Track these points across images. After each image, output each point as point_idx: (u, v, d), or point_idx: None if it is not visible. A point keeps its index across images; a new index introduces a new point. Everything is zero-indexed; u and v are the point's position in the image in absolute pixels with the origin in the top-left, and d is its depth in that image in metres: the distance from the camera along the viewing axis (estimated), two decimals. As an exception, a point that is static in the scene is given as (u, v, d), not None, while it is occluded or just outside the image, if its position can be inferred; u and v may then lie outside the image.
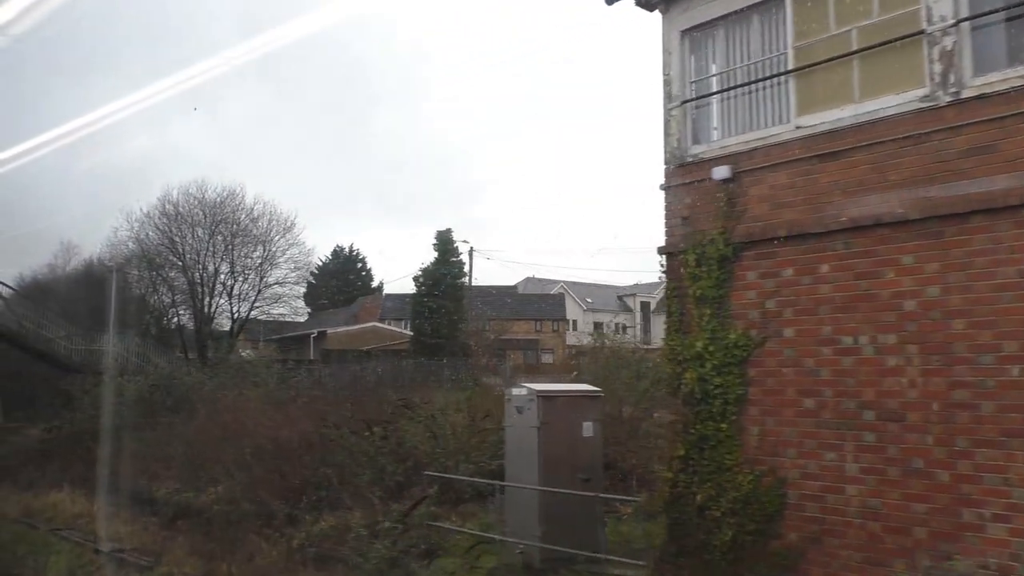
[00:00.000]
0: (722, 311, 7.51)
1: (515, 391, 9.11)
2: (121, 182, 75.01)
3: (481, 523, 9.83)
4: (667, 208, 8.04)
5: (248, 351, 46.87)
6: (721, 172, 7.52)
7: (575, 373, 53.60)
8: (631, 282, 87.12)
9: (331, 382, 24.04)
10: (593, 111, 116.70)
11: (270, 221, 41.65)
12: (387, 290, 67.50)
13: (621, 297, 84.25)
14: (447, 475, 9.41)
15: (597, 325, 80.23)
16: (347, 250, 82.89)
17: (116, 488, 15.93)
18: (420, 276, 42.62)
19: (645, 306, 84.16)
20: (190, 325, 42.80)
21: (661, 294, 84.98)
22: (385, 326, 48.07)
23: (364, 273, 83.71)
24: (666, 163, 8.08)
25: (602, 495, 8.14)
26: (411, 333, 45.88)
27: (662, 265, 8.12)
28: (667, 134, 8.09)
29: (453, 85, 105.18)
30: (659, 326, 79.14)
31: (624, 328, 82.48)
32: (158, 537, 12.71)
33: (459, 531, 9.15)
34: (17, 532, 13.88)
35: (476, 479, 9.59)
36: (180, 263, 41.05)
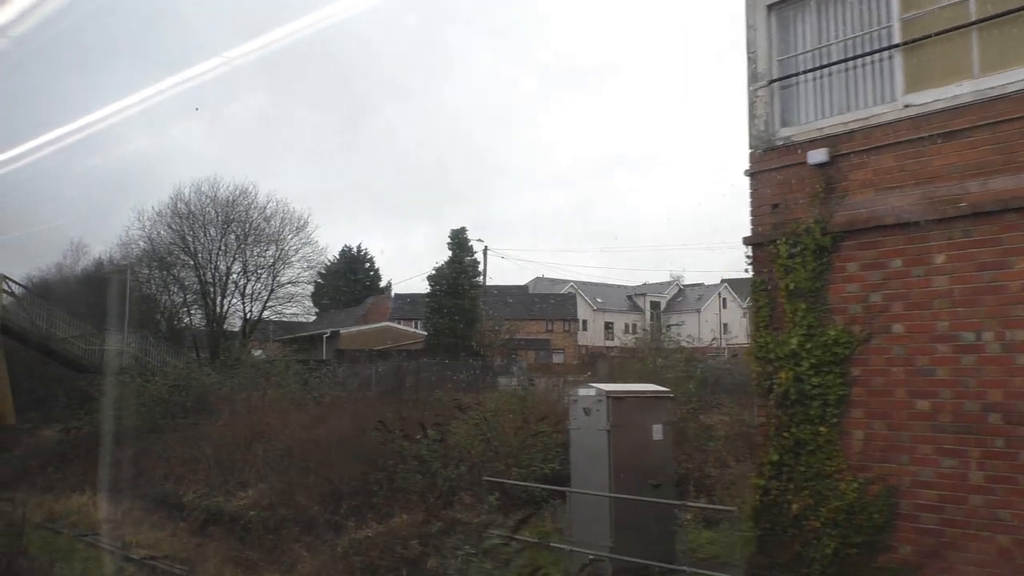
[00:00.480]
0: (819, 305, 6.96)
1: (582, 392, 8.57)
2: (124, 182, 74.80)
3: (538, 531, 9.30)
4: (753, 195, 7.50)
5: (259, 351, 46.42)
6: (817, 156, 6.97)
7: (588, 373, 53.02)
8: (639, 282, 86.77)
9: (354, 382, 23.48)
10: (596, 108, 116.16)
11: (282, 220, 41.17)
12: (396, 290, 67.15)
13: (631, 297, 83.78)
14: (510, 481, 8.87)
15: (608, 325, 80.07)
16: (354, 250, 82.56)
17: (141, 492, 15.44)
18: (435, 275, 42.11)
19: (655, 306, 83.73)
20: (201, 325, 42.40)
21: (672, 293, 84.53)
22: (398, 326, 47.56)
23: (372, 273, 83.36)
24: (752, 147, 7.53)
25: (689, 504, 7.56)
26: (424, 333, 45.39)
27: (748, 256, 7.56)
28: (752, 116, 7.54)
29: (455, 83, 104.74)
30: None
31: (635, 328, 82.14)
32: (189, 544, 12.18)
33: (519, 540, 8.61)
34: (41, 538, 13.36)
35: (545, 486, 9.04)
36: (192, 262, 40.59)
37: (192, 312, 42.22)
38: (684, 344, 15.94)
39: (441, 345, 40.17)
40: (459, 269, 41.85)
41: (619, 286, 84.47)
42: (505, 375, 43.88)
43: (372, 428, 11.91)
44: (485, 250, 44.25)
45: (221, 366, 25.11)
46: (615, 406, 8.25)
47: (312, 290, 55.29)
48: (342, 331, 44.49)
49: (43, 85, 71.52)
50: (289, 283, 41.84)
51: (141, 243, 40.26)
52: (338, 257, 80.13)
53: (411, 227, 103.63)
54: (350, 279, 79.77)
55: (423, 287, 67.49)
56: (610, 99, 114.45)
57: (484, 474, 9.56)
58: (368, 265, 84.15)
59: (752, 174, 7.51)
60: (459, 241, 42.48)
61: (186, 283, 41.92)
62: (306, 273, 42.27)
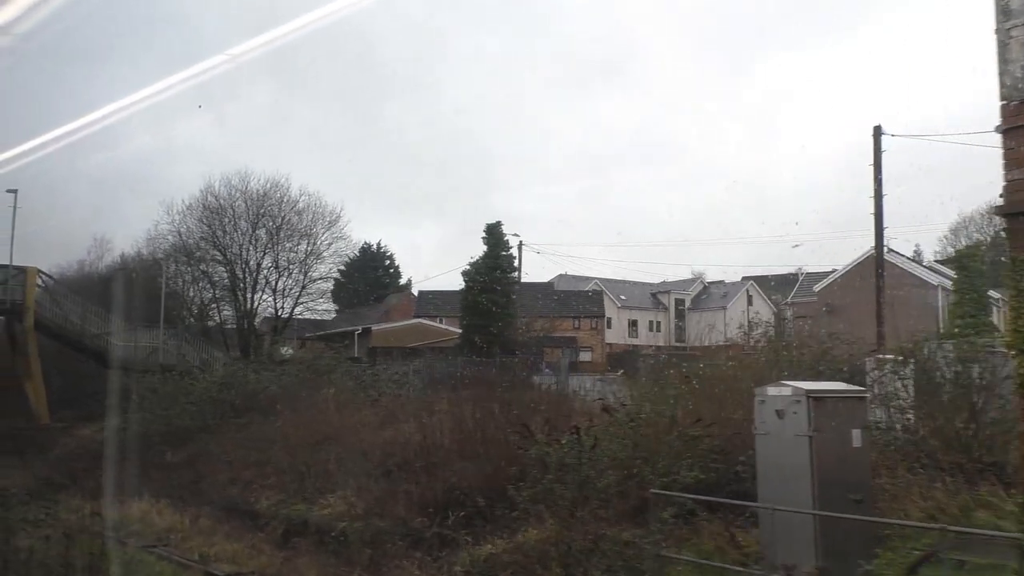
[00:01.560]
0: (1106, 286, 5.75)
1: (771, 390, 7.37)
2: (132, 178, 73.94)
3: (701, 551, 8.08)
4: (1008, 156, 6.26)
5: (286, 348, 45.36)
6: (1102, 105, 5.75)
7: (620, 371, 51.71)
8: (657, 279, 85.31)
9: (416, 380, 22.30)
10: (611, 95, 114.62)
11: (314, 214, 40.12)
12: (420, 287, 66.08)
13: (655, 294, 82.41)
14: (687, 495, 7.65)
15: (632, 323, 78.78)
16: (374, 247, 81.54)
17: (205, 498, 14.33)
18: (469, 270, 40.88)
19: (680, 303, 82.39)
20: (229, 322, 41.38)
21: (696, 290, 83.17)
22: (430, 323, 46.36)
23: (392, 270, 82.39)
24: (1004, 98, 6.29)
25: (952, 528, 6.29)
26: (457, 330, 44.22)
27: (1001, 230, 6.32)
28: (1004, 61, 6.30)
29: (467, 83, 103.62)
30: (694, 324, 77.03)
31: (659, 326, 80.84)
32: (275, 558, 11.05)
33: (694, 561, 7.41)
34: (107, 551, 12.25)
35: (729, 500, 7.82)
36: (222, 256, 39.55)
37: (221, 308, 41.21)
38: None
39: (476, 342, 38.98)
40: (494, 264, 40.59)
41: (642, 283, 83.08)
42: (540, 373, 42.74)
43: (503, 430, 10.72)
44: (520, 245, 43.02)
45: (260, 364, 23.96)
46: (816, 408, 7.04)
47: (331, 287, 54.31)
48: (373, 328, 43.35)
49: (47, 82, 70.67)
50: (320, 279, 40.82)
51: (170, 237, 39.21)
52: (357, 254, 79.19)
53: (416, 223, 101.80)
54: (369, 277, 78.83)
55: (444, 284, 66.67)
56: (620, 95, 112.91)
57: (633, 481, 8.35)
58: (388, 262, 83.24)
59: (1007, 131, 6.27)
60: (494, 235, 41.20)
61: (214, 278, 40.94)
62: (339, 269, 41.24)
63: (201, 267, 40.32)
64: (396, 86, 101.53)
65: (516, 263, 42.52)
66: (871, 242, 26.16)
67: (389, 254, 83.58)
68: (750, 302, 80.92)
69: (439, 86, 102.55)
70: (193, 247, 38.96)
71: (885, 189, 24.70)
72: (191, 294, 41.91)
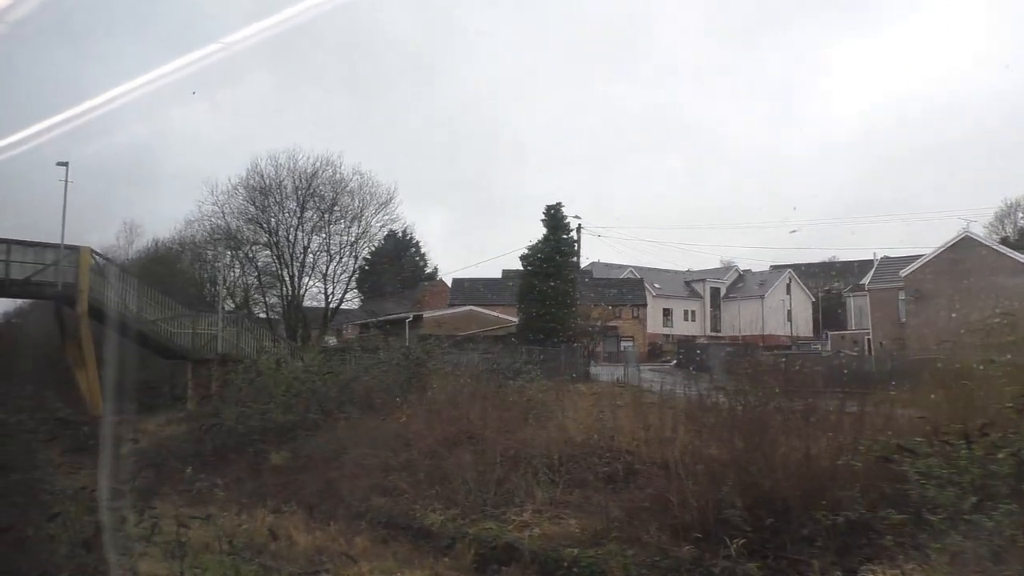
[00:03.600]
0: None
1: None
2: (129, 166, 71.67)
3: None
4: None
5: (331, 337, 43.29)
6: None
7: (672, 362, 49.55)
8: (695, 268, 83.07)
9: (535, 369, 20.03)
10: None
11: (369, 195, 37.99)
12: (454, 275, 64.10)
13: (689, 283, 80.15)
14: None
15: (667, 312, 76.61)
16: (400, 234, 79.34)
17: (349, 509, 12.10)
18: (528, 255, 38.66)
19: (715, 292, 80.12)
20: (275, 307, 39.29)
21: (731, 279, 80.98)
22: (481, 310, 44.16)
23: (418, 259, 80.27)
24: None
25: None
26: (510, 318, 42.12)
27: None
28: None
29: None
30: (729, 313, 74.94)
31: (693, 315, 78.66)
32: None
33: None
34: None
35: None
36: (269, 239, 37.40)
37: (267, 294, 39.11)
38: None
39: (534, 330, 36.81)
40: (555, 248, 38.36)
41: (674, 271, 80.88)
42: (597, 363, 40.64)
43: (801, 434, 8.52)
44: (579, 228, 40.67)
45: (364, 351, 21.76)
46: None
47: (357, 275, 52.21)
48: (426, 315, 41.19)
49: (42, 70, 68.45)
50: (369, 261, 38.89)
51: (215, 219, 37.02)
52: (383, 242, 77.06)
53: (424, 209, 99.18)
54: (397, 264, 76.78)
55: (473, 273, 64.47)
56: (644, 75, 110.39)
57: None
58: (414, 250, 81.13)
59: None
60: (554, 217, 38.95)
61: (259, 263, 38.83)
62: (364, 257, 39.32)
63: (244, 250, 38.20)
64: (401, 70, 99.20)
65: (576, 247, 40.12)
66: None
67: (415, 242, 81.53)
68: (788, 290, 78.76)
69: (446, 70, 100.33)
70: (237, 230, 36.83)
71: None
72: (233, 278, 39.81)
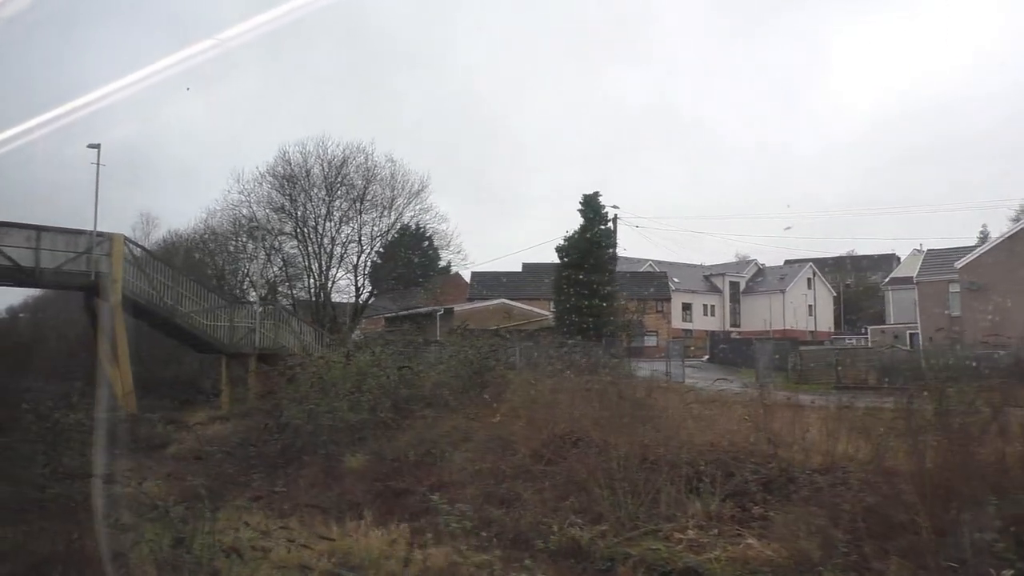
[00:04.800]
0: None
1: None
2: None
3: None
4: None
5: (357, 331, 41.95)
6: None
7: (706, 357, 48.15)
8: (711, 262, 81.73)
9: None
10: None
11: (401, 184, 36.67)
12: (472, 268, 62.70)
13: (708, 277, 78.77)
14: None
15: (686, 306, 75.27)
16: (413, 227, 77.90)
17: (478, 523, 10.66)
18: (564, 246, 37.29)
19: (734, 286, 78.79)
20: (301, 299, 37.94)
21: (750, 273, 79.68)
22: (512, 303, 42.81)
23: (431, 252, 78.79)
24: None
25: None
26: (542, 312, 40.83)
27: None
28: None
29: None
30: (749, 308, 73.59)
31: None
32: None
33: None
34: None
35: None
36: (296, 230, 36.03)
37: (294, 285, 37.76)
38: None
39: (572, 323, 35.46)
40: (593, 239, 36.99)
41: (693, 265, 79.47)
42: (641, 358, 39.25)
43: None
44: (615, 219, 39.31)
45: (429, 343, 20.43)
46: None
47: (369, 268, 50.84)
48: (456, 308, 39.84)
49: (34, 65, 67.02)
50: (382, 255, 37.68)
51: (241, 208, 35.62)
52: (396, 235, 75.71)
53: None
54: (410, 257, 75.40)
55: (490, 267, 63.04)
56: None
57: None
58: (427, 244, 79.65)
59: None
60: (591, 207, 37.58)
61: (285, 253, 37.48)
62: (376, 250, 38.15)
63: (269, 240, 36.84)
64: (397, 64, 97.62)
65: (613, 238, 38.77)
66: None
67: (429, 235, 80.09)
68: (809, 285, 77.51)
69: (443, 64, 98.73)
70: (265, 219, 35.46)
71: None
72: (258, 269, 38.47)
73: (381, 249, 61.21)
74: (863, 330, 53.88)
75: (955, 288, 35.92)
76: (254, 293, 37.47)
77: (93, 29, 79.97)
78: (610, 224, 38.67)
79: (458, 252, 42.69)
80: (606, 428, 12.11)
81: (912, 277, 44.18)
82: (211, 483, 14.53)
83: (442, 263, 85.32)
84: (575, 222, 37.44)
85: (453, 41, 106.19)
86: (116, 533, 10.53)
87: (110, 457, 15.25)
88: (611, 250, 38.04)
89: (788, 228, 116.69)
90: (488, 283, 59.48)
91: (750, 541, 8.22)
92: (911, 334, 41.53)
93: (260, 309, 25.83)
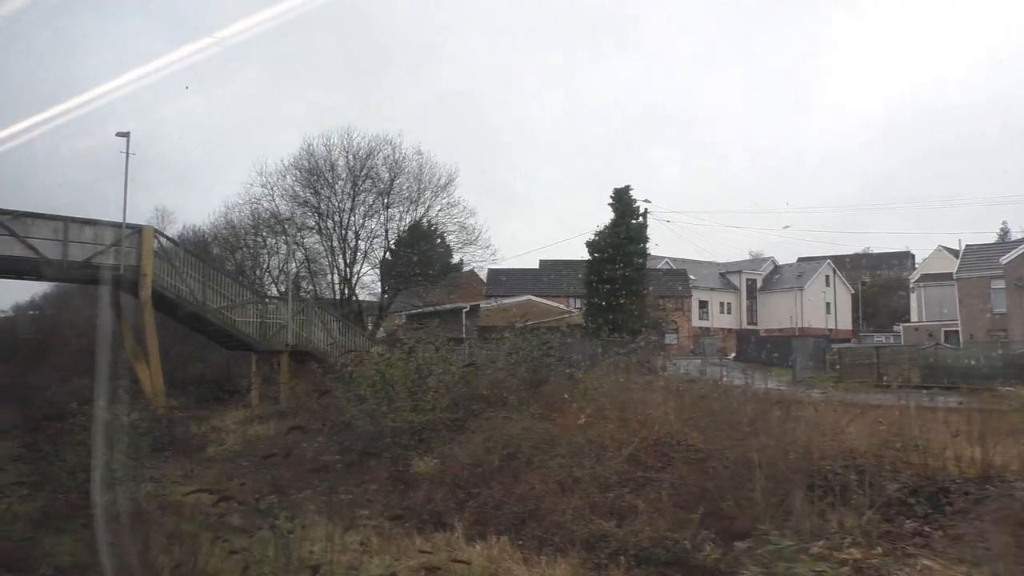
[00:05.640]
0: None
1: None
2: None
3: None
4: None
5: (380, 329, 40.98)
6: None
7: (732, 355, 47.02)
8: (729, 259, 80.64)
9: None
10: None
11: (428, 177, 35.70)
12: (488, 266, 61.70)
13: (724, 274, 77.70)
14: None
15: (703, 304, 74.28)
16: (425, 223, 76.89)
17: (570, 536, 9.67)
18: (595, 241, 36.26)
19: (751, 284, 77.74)
20: (324, 296, 36.96)
21: (767, 270, 78.61)
22: (539, 300, 41.78)
23: (442, 250, 77.82)
24: None
25: None
26: (567, 308, 39.82)
27: None
28: None
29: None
30: (766, 305, 72.44)
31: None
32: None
33: None
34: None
35: None
36: (320, 224, 35.06)
37: (316, 281, 36.78)
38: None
39: (603, 320, 34.44)
40: (625, 234, 35.93)
41: (709, 263, 78.38)
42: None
43: None
44: (645, 213, 38.19)
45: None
46: None
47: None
48: (482, 305, 38.83)
49: (32, 65, 66.09)
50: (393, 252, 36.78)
51: (264, 201, 34.65)
52: (407, 232, 74.77)
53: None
54: (421, 255, 74.46)
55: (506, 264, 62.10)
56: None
57: None
58: (439, 241, 78.64)
59: None
60: (623, 201, 36.52)
61: (308, 248, 36.49)
62: (451, 237, 37.14)
63: (292, 235, 35.81)
64: (397, 58, 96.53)
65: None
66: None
67: (440, 232, 79.11)
68: (827, 282, 76.48)
69: (442, 58, 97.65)
70: (289, 213, 34.48)
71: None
72: (278, 264, 37.49)
73: (392, 247, 60.27)
74: (894, 327, 52.87)
75: (998, 284, 34.91)
76: (274, 289, 36.54)
77: (90, 26, 79.02)
78: (640, 219, 37.58)
79: (487, 247, 41.41)
80: (712, 432, 11.15)
81: (946, 274, 43.15)
82: (271, 490, 13.52)
83: (454, 260, 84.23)
84: (575, 220, 36.63)
85: (453, 35, 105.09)
86: (173, 544, 9.40)
87: (157, 461, 14.25)
88: (642, 245, 36.93)
89: (787, 227, 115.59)
90: (506, 281, 58.52)
91: (927, 563, 7.23)
92: (946, 331, 40.52)
93: (292, 305, 24.76)
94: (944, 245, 59.92)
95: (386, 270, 54.18)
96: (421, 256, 73.80)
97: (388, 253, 47.25)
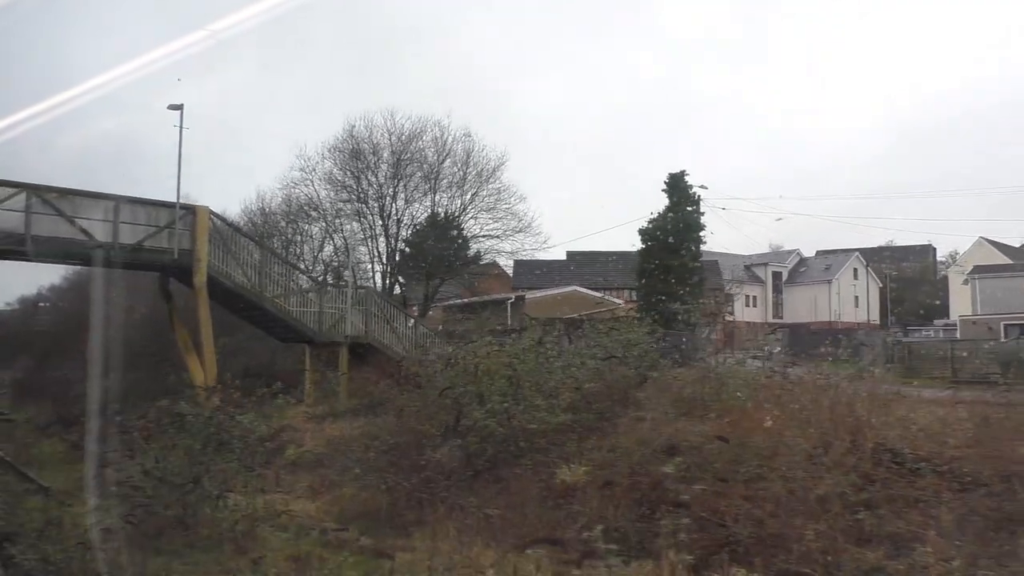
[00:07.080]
0: None
1: None
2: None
3: None
4: None
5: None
6: None
7: (777, 349, 45.23)
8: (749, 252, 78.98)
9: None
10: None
11: (476, 163, 34.01)
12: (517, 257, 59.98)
13: (749, 267, 76.00)
14: None
15: (728, 297, 72.59)
16: (443, 215, 75.16)
17: (812, 562, 7.95)
18: (649, 229, 34.54)
19: (777, 276, 76.13)
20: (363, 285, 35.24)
21: (793, 263, 76.95)
22: (586, 291, 40.03)
23: (459, 242, 76.09)
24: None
25: None
26: (615, 301, 38.16)
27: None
28: None
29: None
30: (792, 298, 70.66)
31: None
32: None
33: None
34: None
35: None
36: (360, 209, 33.33)
37: (356, 270, 35.06)
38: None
39: (658, 312, 32.71)
40: (680, 222, 34.22)
41: (733, 255, 76.66)
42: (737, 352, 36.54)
43: None
44: (697, 200, 36.41)
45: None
46: None
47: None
48: (528, 296, 37.11)
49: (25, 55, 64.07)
50: (488, 236, 35.33)
51: (304, 186, 32.89)
52: (425, 224, 73.06)
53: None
54: (438, 248, 72.82)
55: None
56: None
57: None
58: (456, 233, 76.87)
59: None
60: (678, 187, 34.80)
61: (347, 235, 34.81)
62: (498, 222, 35.62)
63: (327, 221, 34.12)
64: (394, 48, 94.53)
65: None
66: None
67: (458, 224, 77.41)
68: (856, 275, 74.93)
69: (443, 43, 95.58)
70: (333, 197, 32.76)
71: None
72: (312, 251, 35.79)
73: (408, 238, 58.22)
74: (934, 321, 51.27)
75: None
76: (305, 279, 34.91)
77: (84, 21, 76.93)
78: (695, 206, 35.84)
79: (538, 234, 39.64)
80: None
81: (1002, 264, 41.58)
82: (393, 502, 11.66)
83: (471, 252, 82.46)
84: (577, 215, 35.10)
85: (452, 17, 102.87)
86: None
87: (244, 469, 12.40)
88: (699, 234, 35.20)
89: (779, 219, 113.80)
90: (535, 273, 56.69)
91: None
92: (1006, 324, 38.98)
93: (353, 293, 23.01)
94: (985, 237, 58.33)
95: (404, 262, 52.46)
96: (442, 248, 71.76)
97: (407, 246, 45.48)
